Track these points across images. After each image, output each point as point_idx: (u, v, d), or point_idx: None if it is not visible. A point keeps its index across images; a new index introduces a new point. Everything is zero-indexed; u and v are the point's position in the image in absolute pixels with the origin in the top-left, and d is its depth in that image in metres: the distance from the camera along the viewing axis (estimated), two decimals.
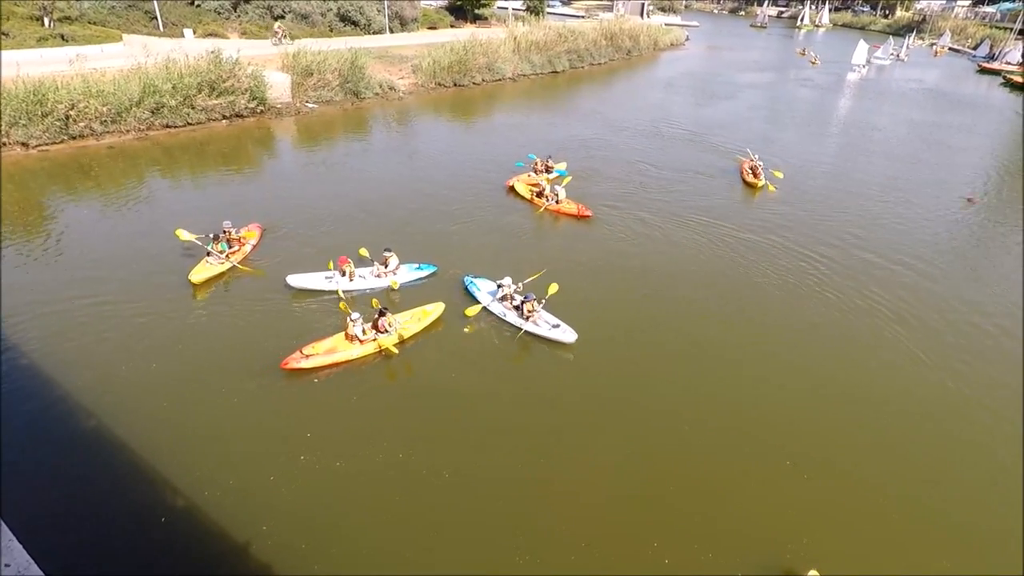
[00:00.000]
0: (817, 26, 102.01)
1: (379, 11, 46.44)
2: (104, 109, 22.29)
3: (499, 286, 13.10)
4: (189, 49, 26.13)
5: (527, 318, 12.44)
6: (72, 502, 8.37)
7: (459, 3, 57.09)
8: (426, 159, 23.65)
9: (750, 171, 22.06)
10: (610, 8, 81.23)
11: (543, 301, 12.66)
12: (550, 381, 11.45)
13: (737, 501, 8.95)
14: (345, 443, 9.52)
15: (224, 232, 14.39)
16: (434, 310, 12.78)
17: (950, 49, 76.10)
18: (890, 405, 11.10)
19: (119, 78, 23.41)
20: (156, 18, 37.72)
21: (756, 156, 22.75)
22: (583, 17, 71.34)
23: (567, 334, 12.22)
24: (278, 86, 27.81)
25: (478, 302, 13.07)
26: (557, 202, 18.74)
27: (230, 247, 14.33)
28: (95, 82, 22.69)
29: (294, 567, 7.65)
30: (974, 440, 10.42)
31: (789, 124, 33.49)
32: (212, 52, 25.35)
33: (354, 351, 11.37)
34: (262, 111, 26.85)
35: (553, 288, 12.94)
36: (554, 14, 71.99)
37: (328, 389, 10.72)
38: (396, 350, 11.63)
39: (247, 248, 14.76)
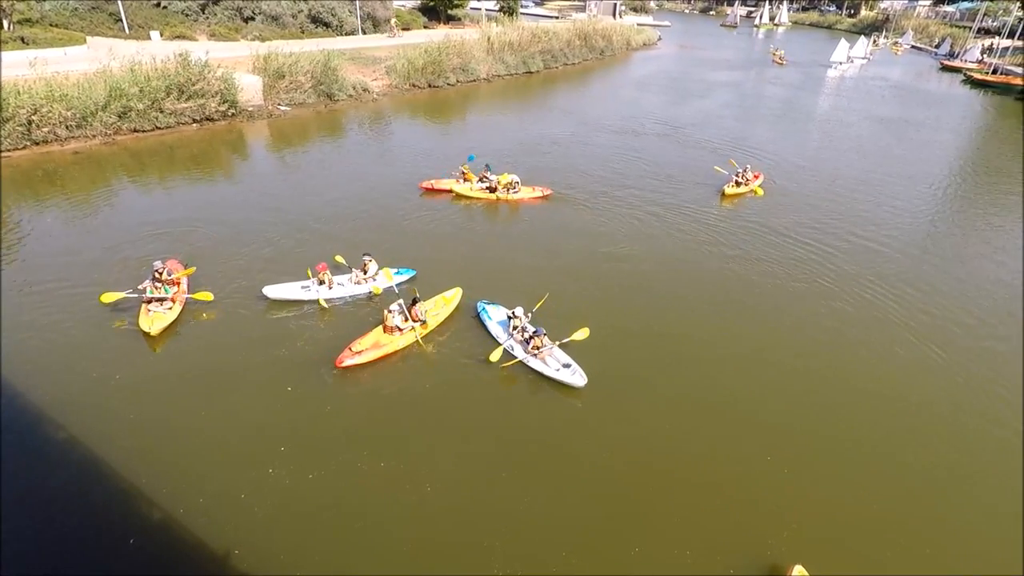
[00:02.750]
0: (776, 25, 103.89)
1: (351, 12, 46.07)
2: (68, 114, 21.72)
3: (510, 316, 12.13)
4: (156, 52, 25.59)
5: (535, 354, 11.41)
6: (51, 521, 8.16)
7: (432, 4, 56.91)
8: (399, 161, 23.42)
9: (735, 182, 20.91)
10: (583, 8, 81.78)
11: (560, 342, 11.63)
12: (548, 421, 10.43)
13: (715, 498, 8.97)
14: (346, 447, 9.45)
15: (155, 273, 12.54)
16: (454, 296, 13.31)
17: (913, 47, 78.26)
18: (876, 400, 11.16)
19: (83, 82, 22.83)
20: (121, 20, 36.89)
21: (744, 168, 21.52)
22: (557, 18, 71.72)
23: (576, 377, 10.97)
24: (249, 89, 27.39)
25: (489, 333, 12.25)
26: (515, 192, 19.31)
27: (161, 296, 12.42)
28: (58, 86, 22.08)
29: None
30: (967, 435, 10.47)
31: (761, 120, 34.09)
32: (180, 55, 24.86)
33: (399, 342, 11.89)
34: (233, 114, 26.40)
35: (583, 334, 11.82)
36: (527, 15, 72.28)
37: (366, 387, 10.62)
38: (429, 347, 12.02)
39: (183, 285, 12.85)
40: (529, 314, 12.07)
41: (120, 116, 23.11)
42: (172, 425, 9.74)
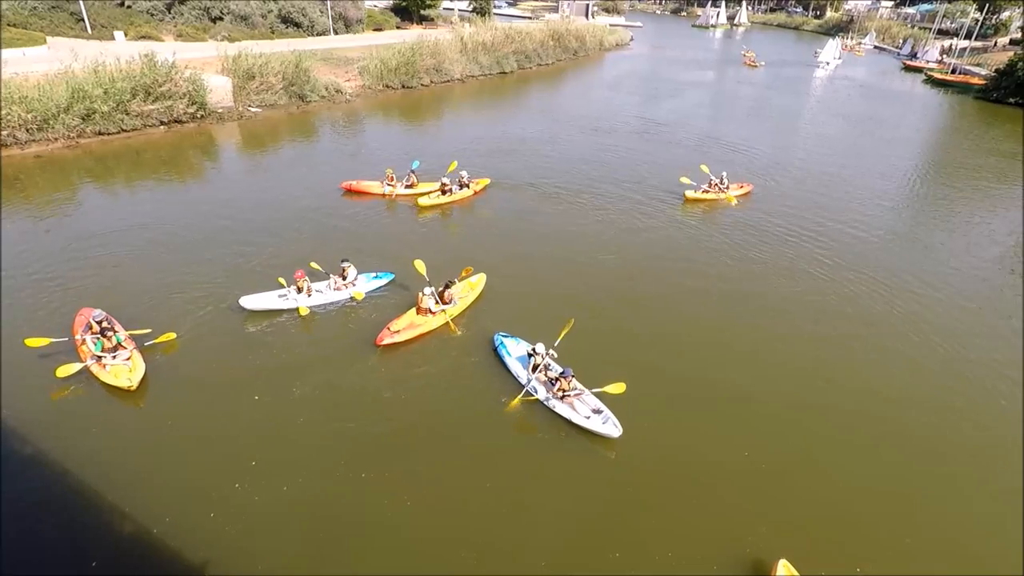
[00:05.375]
0: (735, 25, 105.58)
1: (322, 12, 45.55)
2: (29, 116, 21.04)
3: (530, 354, 11.12)
4: (120, 52, 24.96)
5: (561, 398, 10.36)
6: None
7: (404, 4, 56.58)
8: (372, 162, 23.16)
9: (714, 186, 20.64)
10: (556, 9, 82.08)
11: (594, 390, 10.46)
12: (571, 464, 9.60)
13: (702, 493, 9.06)
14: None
15: (95, 324, 10.94)
16: (479, 281, 13.88)
17: (876, 48, 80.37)
18: (866, 397, 11.28)
19: (44, 83, 22.14)
20: (83, 20, 35.89)
21: (720, 176, 20.86)
22: (530, 18, 71.89)
23: (608, 427, 9.90)
24: (219, 90, 26.89)
25: (508, 369, 11.29)
26: (467, 186, 19.59)
27: (113, 343, 10.82)
28: (17, 87, 21.38)
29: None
30: (967, 433, 10.54)
31: (734, 118, 34.70)
32: (146, 55, 24.28)
33: (432, 323, 12.45)
34: (203, 116, 25.89)
35: (618, 388, 10.41)
36: (501, 15, 72.36)
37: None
38: (459, 330, 12.53)
39: (122, 335, 11.13)
40: (552, 350, 11.00)
41: (84, 119, 22.47)
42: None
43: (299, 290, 12.93)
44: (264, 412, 10.13)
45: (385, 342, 11.76)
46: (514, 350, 11.62)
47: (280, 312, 12.74)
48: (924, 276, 16.13)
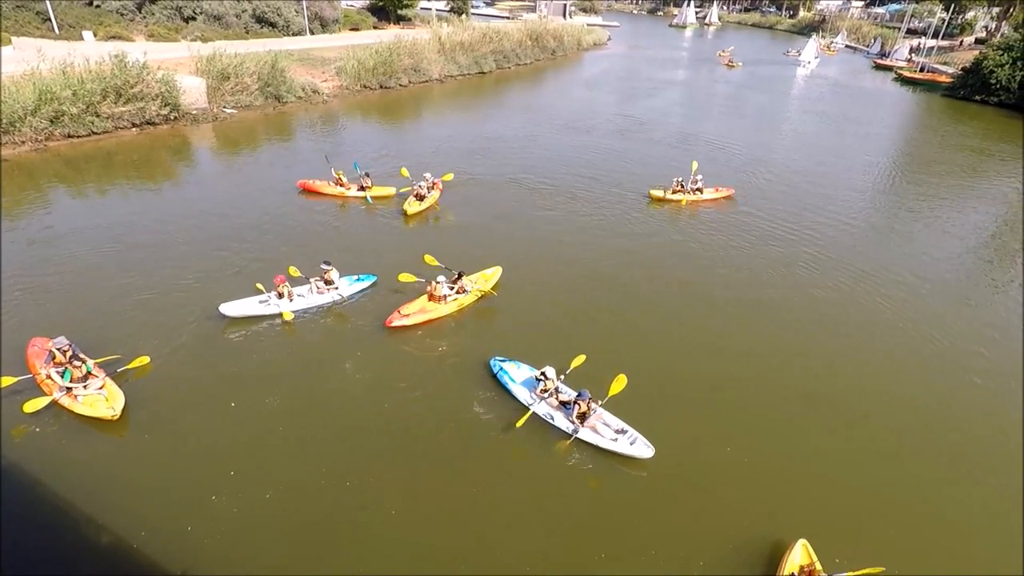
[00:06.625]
0: (706, 24, 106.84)
1: (297, 12, 45.01)
2: None
3: (539, 380, 10.32)
4: (89, 53, 24.34)
5: (582, 421, 9.77)
6: None
7: (381, 4, 56.18)
8: (346, 164, 22.85)
9: (672, 189, 20.42)
10: (533, 9, 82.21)
11: (601, 402, 9.92)
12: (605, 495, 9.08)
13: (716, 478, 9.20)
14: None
15: (59, 353, 10.03)
16: (494, 273, 14.18)
17: (847, 47, 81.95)
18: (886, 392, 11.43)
19: (9, 84, 21.53)
20: (50, 19, 34.97)
21: (687, 179, 20.49)
22: (508, 18, 71.85)
23: (638, 447, 9.44)
24: (193, 91, 26.40)
25: (514, 397, 10.51)
26: (433, 186, 19.15)
27: (84, 375, 10.04)
28: None
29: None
30: (963, 429, 10.68)
31: (713, 117, 35.09)
32: (116, 56, 23.72)
33: (443, 309, 12.83)
34: (176, 118, 25.40)
35: (620, 383, 9.99)
36: (478, 15, 72.23)
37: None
38: (469, 311, 13.02)
39: (90, 365, 10.26)
40: (562, 376, 10.47)
41: (52, 121, 21.90)
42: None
43: (280, 295, 12.70)
44: (245, 420, 9.92)
45: (395, 324, 12.26)
46: (516, 374, 10.84)
47: (262, 318, 12.49)
48: (912, 269, 16.55)
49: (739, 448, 9.88)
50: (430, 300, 12.87)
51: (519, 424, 9.84)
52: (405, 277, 13.29)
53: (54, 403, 9.75)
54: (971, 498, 9.29)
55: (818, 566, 7.55)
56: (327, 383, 10.91)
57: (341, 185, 19.28)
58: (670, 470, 9.40)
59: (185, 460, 9.13)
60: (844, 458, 9.87)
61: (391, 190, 19.53)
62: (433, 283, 12.85)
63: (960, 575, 8.04)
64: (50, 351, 10.13)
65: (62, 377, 9.83)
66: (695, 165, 21.09)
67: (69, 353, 10.12)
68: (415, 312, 12.56)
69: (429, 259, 13.94)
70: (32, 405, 9.59)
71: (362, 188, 19.29)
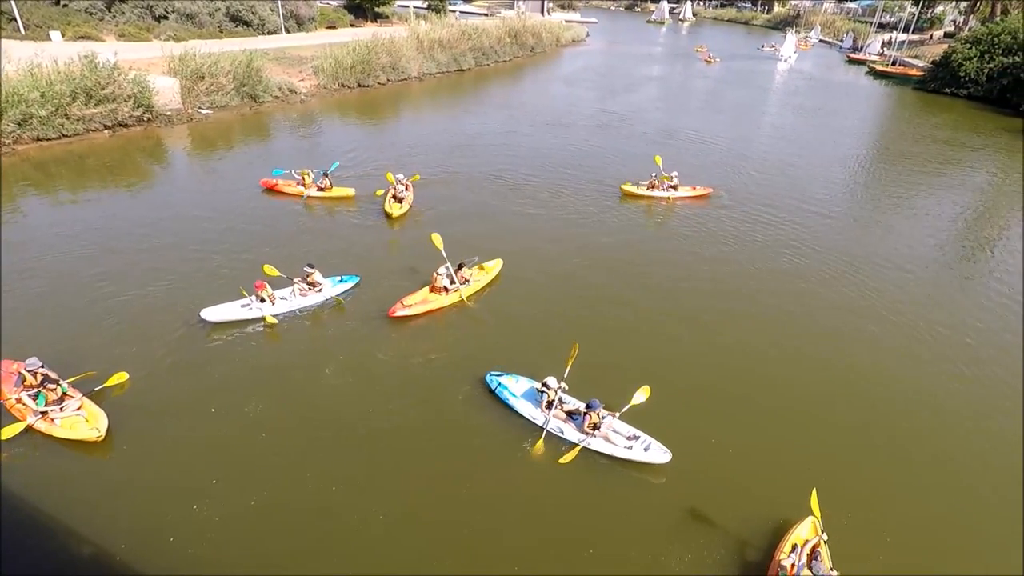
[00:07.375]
0: (681, 20, 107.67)
1: (272, 10, 44.37)
2: None
3: (542, 391, 9.95)
4: (58, 53, 23.71)
5: (593, 432, 9.46)
6: None
7: (358, 2, 55.61)
8: (323, 163, 22.50)
9: (648, 184, 20.44)
10: (511, 6, 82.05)
11: (617, 414, 9.58)
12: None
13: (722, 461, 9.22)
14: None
15: (30, 376, 9.66)
16: (495, 265, 14.46)
17: (822, 41, 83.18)
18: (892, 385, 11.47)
19: None
20: (15, 19, 34.01)
21: (660, 175, 20.43)
22: (486, 15, 71.58)
23: (653, 452, 9.21)
24: (166, 91, 25.87)
25: (518, 413, 10.09)
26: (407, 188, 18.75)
27: (59, 394, 9.58)
28: None
29: None
30: (969, 429, 10.63)
31: (692, 111, 35.36)
32: (85, 56, 23.14)
33: (444, 300, 13.09)
34: (149, 119, 24.87)
35: (644, 393, 9.66)
36: (456, 11, 71.80)
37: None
38: (472, 303, 13.26)
39: (64, 386, 9.76)
40: (563, 383, 10.04)
41: (20, 124, 21.31)
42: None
43: (262, 300, 12.47)
44: (227, 428, 9.72)
45: (398, 314, 12.46)
46: (516, 388, 10.39)
47: (246, 322, 12.25)
48: (897, 262, 16.79)
49: (741, 448, 9.80)
50: (432, 291, 13.17)
51: (538, 446, 9.48)
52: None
53: (29, 428, 9.26)
54: (971, 498, 9.26)
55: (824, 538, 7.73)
56: (311, 387, 10.74)
57: (303, 185, 18.91)
58: (688, 474, 9.15)
59: (167, 471, 8.92)
60: (857, 455, 9.79)
61: (350, 191, 19.13)
62: (434, 275, 13.14)
63: (960, 575, 8.03)
64: (19, 374, 9.69)
65: (35, 401, 9.38)
66: (659, 160, 20.70)
67: (40, 377, 9.62)
68: (417, 303, 12.86)
69: (436, 239, 13.56)
70: (9, 431, 9.12)
71: (321, 189, 18.90)
